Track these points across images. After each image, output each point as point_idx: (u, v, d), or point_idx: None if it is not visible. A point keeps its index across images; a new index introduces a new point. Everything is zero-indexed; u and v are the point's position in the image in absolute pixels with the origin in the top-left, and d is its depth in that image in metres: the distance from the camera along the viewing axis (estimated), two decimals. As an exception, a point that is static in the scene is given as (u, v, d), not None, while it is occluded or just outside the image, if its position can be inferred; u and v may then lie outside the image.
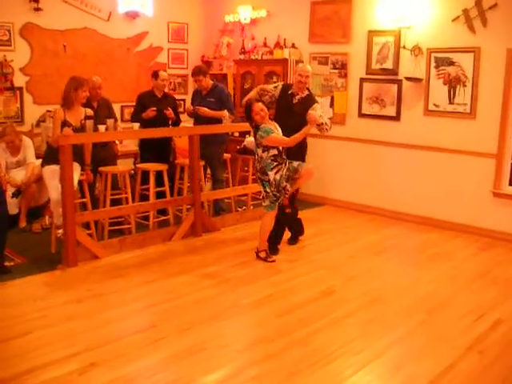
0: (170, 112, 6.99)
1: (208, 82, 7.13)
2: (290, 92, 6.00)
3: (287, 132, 5.60)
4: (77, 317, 4.42)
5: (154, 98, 7.09)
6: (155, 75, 7.10)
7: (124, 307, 4.65)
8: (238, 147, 7.94)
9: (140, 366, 3.75)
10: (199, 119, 7.08)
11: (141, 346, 4.00)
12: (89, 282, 5.09)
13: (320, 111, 5.82)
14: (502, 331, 4.37)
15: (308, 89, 6.12)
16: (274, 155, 5.58)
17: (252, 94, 6.06)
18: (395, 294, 5.10)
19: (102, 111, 6.45)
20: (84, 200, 6.03)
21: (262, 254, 5.82)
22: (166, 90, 7.43)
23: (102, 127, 6.10)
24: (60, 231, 5.77)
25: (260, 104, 5.60)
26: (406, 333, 4.31)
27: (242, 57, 8.86)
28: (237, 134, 8.46)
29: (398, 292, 5.13)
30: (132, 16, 8.53)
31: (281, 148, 5.62)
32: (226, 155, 7.50)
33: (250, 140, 7.83)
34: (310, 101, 5.96)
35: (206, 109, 6.96)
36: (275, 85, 6.25)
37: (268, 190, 5.66)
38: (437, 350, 4.03)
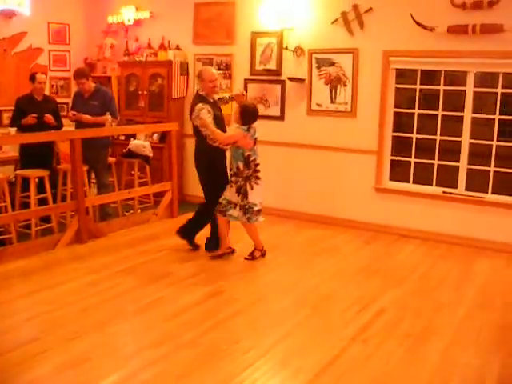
0: (48, 118, 6.75)
1: (90, 85, 6.93)
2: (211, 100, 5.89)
3: None
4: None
5: (33, 102, 6.82)
6: (32, 78, 6.85)
7: (6, 320, 4.40)
8: (124, 150, 7.76)
9: (26, 379, 3.58)
10: (81, 123, 6.86)
11: (25, 359, 3.80)
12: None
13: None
14: (385, 319, 4.53)
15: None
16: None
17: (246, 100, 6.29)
18: (282, 290, 5.16)
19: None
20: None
21: (257, 254, 5.97)
22: (48, 93, 7.14)
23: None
24: None
25: None
26: (292, 328, 4.35)
27: (126, 59, 8.69)
28: (122, 138, 8.29)
29: (285, 288, 5.19)
30: (8, 15, 8.15)
31: None
32: (111, 159, 7.31)
33: (134, 143, 7.69)
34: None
35: (88, 116, 6.78)
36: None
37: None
38: (322, 343, 4.10)
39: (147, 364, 3.77)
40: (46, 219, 6.72)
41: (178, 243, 6.26)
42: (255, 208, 5.73)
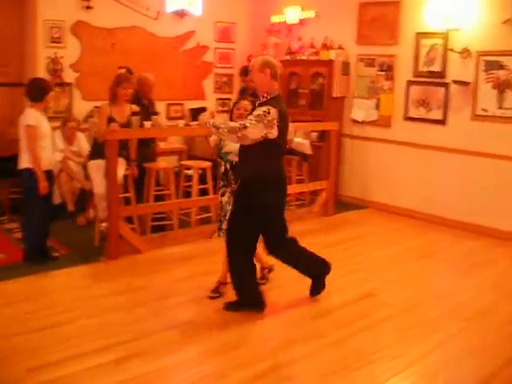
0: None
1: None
2: None
3: None
4: (116, 309, 4.49)
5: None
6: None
7: (162, 301, 4.70)
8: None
9: (174, 360, 3.80)
10: None
11: (175, 341, 4.05)
12: (130, 276, 5.17)
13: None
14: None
15: None
16: None
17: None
18: (435, 299, 5.04)
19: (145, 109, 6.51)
20: (128, 195, 6.10)
21: None
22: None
23: (147, 123, 6.19)
24: (103, 224, 5.87)
25: None
26: (444, 339, 4.24)
27: (288, 57, 8.84)
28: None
29: (439, 298, 5.06)
30: (180, 15, 8.60)
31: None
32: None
33: (297, 141, 7.82)
34: None
35: None
36: None
37: None
38: (476, 358, 3.95)
39: (293, 359, 3.85)
40: (205, 209, 7.03)
41: (333, 240, 6.38)
42: None
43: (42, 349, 3.84)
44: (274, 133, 4.23)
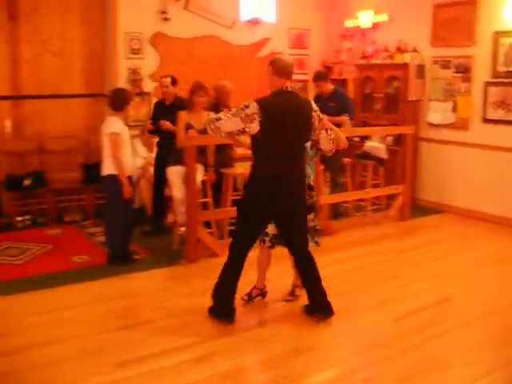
0: (164, 123, 6.39)
1: (329, 87, 7.20)
2: None
3: None
4: (196, 310, 4.60)
5: (163, 107, 6.69)
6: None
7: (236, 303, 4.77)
8: (359, 152, 7.92)
9: (249, 361, 3.92)
10: None
11: (256, 341, 4.13)
12: (208, 278, 5.26)
13: None
14: None
15: None
16: None
17: None
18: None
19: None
20: (206, 200, 6.24)
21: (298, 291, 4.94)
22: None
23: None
24: (182, 229, 6.03)
25: None
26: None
27: (362, 62, 8.83)
28: (357, 139, 8.40)
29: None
30: (254, 23, 8.74)
31: None
32: (347, 159, 7.50)
33: (370, 145, 7.82)
34: None
35: (324, 115, 7.02)
36: None
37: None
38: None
39: (370, 362, 3.86)
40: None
41: (409, 245, 6.33)
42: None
43: (128, 345, 4.02)
44: (253, 127, 4.12)
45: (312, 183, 4.74)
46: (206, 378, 3.62)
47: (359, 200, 7.67)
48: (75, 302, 4.83)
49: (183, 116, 6.06)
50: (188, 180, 5.64)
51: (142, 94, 7.84)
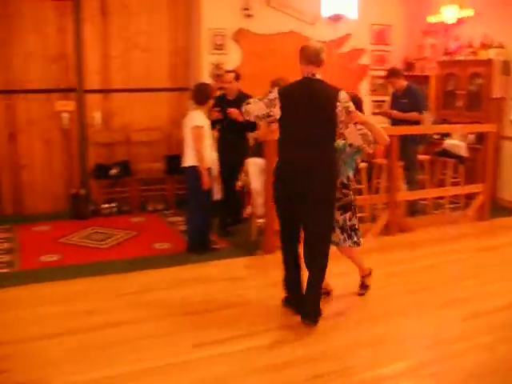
0: (232, 111, 6.21)
1: (402, 84, 7.21)
2: None
3: None
4: (269, 299, 4.72)
5: (224, 101, 6.55)
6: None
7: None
8: (438, 149, 7.84)
9: (319, 349, 3.99)
10: (396, 120, 7.20)
11: (321, 333, 4.23)
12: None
13: None
14: None
15: None
16: None
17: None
18: None
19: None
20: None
21: (368, 280, 4.98)
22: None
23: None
24: (260, 220, 6.17)
25: None
26: None
27: (445, 58, 8.70)
28: (437, 137, 8.31)
29: None
30: (335, 19, 8.76)
31: None
32: (425, 157, 7.44)
33: (450, 143, 7.72)
34: None
35: (396, 112, 7.14)
36: None
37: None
38: None
39: (439, 358, 3.86)
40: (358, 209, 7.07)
41: (487, 245, 6.23)
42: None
43: (202, 329, 4.20)
44: (276, 112, 4.22)
45: (347, 182, 4.56)
46: (273, 364, 3.75)
47: (438, 198, 7.59)
48: (155, 285, 5.10)
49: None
50: (267, 172, 5.76)
51: (224, 88, 8.02)
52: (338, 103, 4.13)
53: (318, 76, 4.29)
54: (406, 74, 8.88)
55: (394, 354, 3.93)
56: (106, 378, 3.57)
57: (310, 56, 4.26)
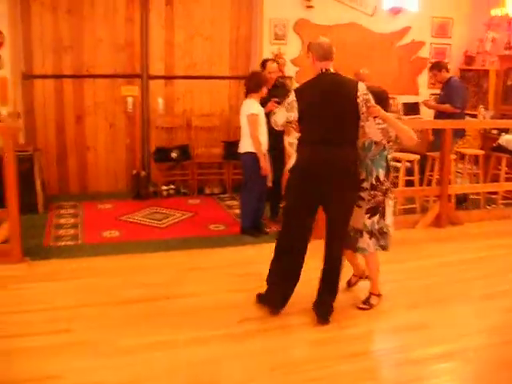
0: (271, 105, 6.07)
1: (442, 76, 7.39)
2: None
3: None
4: (312, 281, 4.87)
5: None
6: (263, 65, 6.72)
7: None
8: (494, 144, 7.83)
9: (361, 330, 4.18)
10: (437, 113, 7.48)
11: (368, 315, 4.42)
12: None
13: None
14: None
15: None
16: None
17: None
18: None
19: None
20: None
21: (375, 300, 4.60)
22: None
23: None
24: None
25: None
26: None
27: (506, 52, 8.64)
28: (495, 132, 8.27)
29: None
30: (395, 11, 8.81)
31: None
32: (479, 151, 7.47)
33: (506, 138, 7.69)
34: None
35: (431, 103, 7.73)
36: None
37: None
38: None
39: (477, 347, 3.98)
40: (410, 200, 7.22)
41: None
42: (391, 231, 4.51)
43: (248, 306, 4.46)
44: (294, 115, 4.18)
45: (375, 182, 4.34)
46: (318, 339, 3.98)
47: (490, 193, 7.61)
48: (209, 263, 5.40)
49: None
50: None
51: (284, 77, 8.21)
52: (359, 93, 4.06)
53: (332, 70, 4.22)
54: (465, 67, 8.92)
55: (438, 338, 4.07)
56: (170, 342, 3.87)
57: (326, 52, 4.18)
